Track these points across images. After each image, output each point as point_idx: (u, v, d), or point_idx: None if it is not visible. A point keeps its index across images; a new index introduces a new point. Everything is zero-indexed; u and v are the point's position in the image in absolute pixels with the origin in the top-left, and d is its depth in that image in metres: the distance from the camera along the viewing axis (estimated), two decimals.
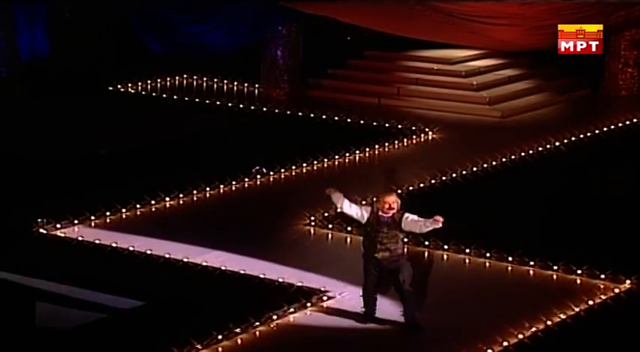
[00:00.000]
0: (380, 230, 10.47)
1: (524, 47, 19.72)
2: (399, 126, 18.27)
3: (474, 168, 15.99)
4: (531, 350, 10.31)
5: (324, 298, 11.27)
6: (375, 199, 10.66)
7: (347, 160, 16.71)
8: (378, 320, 10.72)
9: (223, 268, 12.05)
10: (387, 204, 10.47)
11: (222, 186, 15.14)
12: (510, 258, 12.49)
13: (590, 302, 11.32)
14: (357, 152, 16.90)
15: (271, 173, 15.73)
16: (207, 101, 20.35)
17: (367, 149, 17.02)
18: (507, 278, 12.31)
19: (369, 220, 10.55)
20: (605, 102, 20.60)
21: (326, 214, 13.93)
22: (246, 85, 21.41)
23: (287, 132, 18.31)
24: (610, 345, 10.51)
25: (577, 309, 11.12)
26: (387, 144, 17.39)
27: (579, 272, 12.08)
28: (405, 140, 17.77)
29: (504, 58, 20.99)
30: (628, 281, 11.82)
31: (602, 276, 11.92)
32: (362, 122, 18.63)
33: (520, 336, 10.40)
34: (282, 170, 15.87)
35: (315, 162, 16.29)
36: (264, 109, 19.77)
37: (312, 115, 19.14)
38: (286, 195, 15.10)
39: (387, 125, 18.45)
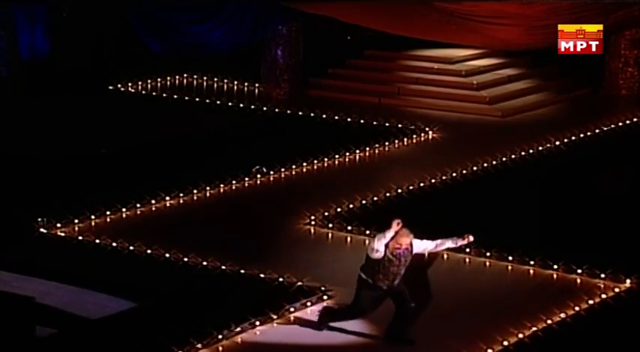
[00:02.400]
0: (396, 264, 10.20)
1: (525, 47, 19.70)
2: (400, 126, 18.27)
3: (474, 168, 16.00)
4: (532, 350, 10.32)
5: (324, 297, 11.27)
6: (391, 236, 10.23)
7: (347, 159, 16.73)
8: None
9: (223, 267, 12.07)
10: (402, 245, 10.19)
11: (222, 186, 15.15)
12: (510, 258, 12.49)
13: (591, 302, 11.33)
14: (358, 151, 16.92)
15: (271, 172, 15.74)
16: (207, 100, 20.35)
17: (367, 148, 17.04)
18: (507, 278, 12.32)
19: (385, 256, 10.23)
20: (606, 101, 20.61)
21: (326, 213, 13.95)
22: (246, 84, 21.41)
23: (287, 131, 18.32)
24: (610, 344, 10.51)
25: (577, 308, 11.12)
26: (387, 143, 17.40)
27: (579, 271, 12.09)
28: (405, 139, 17.77)
29: (504, 57, 20.99)
30: (628, 281, 11.83)
31: (603, 276, 11.93)
32: (362, 121, 18.63)
33: (520, 335, 10.40)
34: (283, 169, 15.88)
35: (316, 162, 16.30)
36: (265, 109, 19.78)
37: (312, 115, 19.14)
38: (286, 195, 15.10)
39: (387, 124, 18.45)
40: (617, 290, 11.67)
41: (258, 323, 10.58)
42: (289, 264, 12.26)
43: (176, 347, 9.82)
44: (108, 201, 14.01)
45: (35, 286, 11.37)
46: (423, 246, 10.56)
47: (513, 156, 16.57)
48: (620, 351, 10.47)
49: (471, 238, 10.60)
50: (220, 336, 10.21)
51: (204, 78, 21.80)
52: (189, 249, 12.51)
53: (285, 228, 13.73)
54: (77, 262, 12.31)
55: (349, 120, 18.74)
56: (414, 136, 17.94)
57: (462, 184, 15.46)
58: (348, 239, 13.34)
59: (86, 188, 14.95)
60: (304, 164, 16.13)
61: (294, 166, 15.99)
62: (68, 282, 11.51)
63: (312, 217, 13.84)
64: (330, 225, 13.62)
